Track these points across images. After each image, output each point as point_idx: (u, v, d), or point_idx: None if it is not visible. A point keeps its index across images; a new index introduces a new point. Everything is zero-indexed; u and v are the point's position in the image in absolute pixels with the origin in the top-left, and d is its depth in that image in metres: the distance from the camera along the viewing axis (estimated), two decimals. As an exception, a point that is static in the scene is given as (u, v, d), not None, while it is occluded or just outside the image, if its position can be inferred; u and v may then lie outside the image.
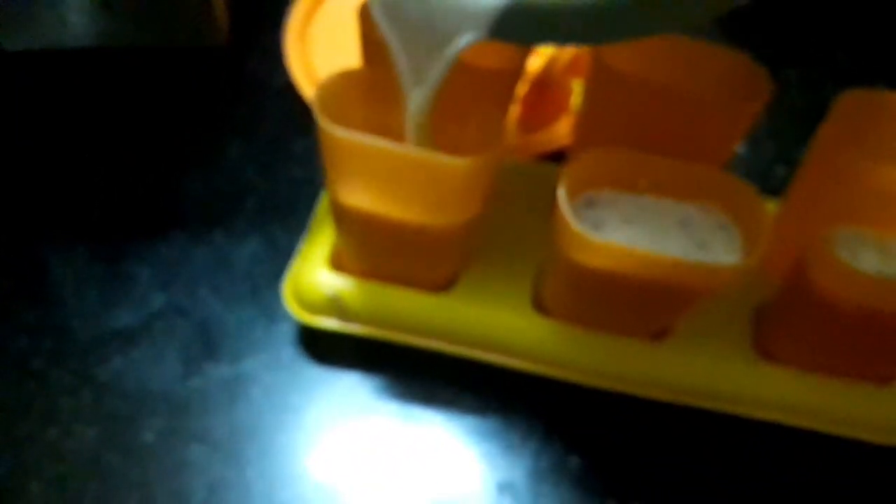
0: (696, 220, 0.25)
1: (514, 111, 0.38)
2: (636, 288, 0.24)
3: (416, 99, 0.22)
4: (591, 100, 0.27)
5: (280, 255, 0.33)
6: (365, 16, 0.26)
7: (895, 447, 0.28)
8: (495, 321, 0.28)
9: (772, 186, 0.36)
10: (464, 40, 0.20)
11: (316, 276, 0.29)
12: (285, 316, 0.31)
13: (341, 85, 0.25)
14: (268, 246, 0.34)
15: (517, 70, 0.27)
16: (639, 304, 0.25)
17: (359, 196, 0.25)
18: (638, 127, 0.26)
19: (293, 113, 0.39)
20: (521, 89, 0.37)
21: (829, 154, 0.25)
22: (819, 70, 0.42)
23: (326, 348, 0.31)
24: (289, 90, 0.39)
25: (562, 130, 0.36)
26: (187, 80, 0.40)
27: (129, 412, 0.29)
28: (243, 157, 0.37)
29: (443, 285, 0.29)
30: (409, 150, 0.23)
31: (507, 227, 0.30)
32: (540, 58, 0.37)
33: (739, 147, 0.38)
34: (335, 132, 0.23)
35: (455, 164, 0.23)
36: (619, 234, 0.24)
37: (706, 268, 0.23)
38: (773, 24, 0.44)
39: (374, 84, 0.25)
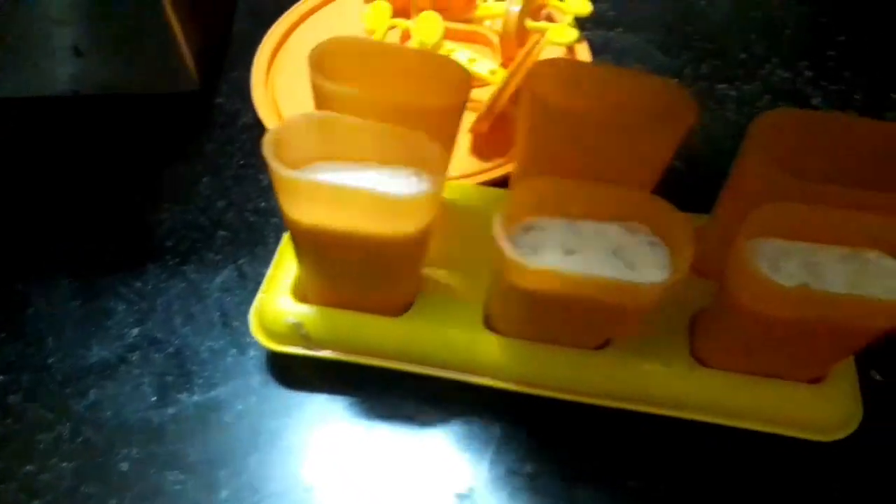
0: (627, 240, 0.27)
1: (468, 139, 0.40)
2: (570, 307, 0.26)
3: None
4: (526, 131, 0.29)
5: (249, 285, 0.35)
6: (314, 64, 0.28)
7: (827, 443, 0.29)
8: (449, 340, 0.30)
9: (708, 201, 0.38)
10: None
11: (279, 306, 0.31)
12: (254, 344, 0.33)
13: (293, 128, 0.27)
14: (237, 276, 0.36)
15: (459, 108, 0.29)
16: (575, 321, 0.27)
17: (311, 219, 0.26)
18: (572, 155, 0.28)
19: (260, 147, 0.41)
20: (476, 119, 0.39)
21: (751, 170, 0.27)
22: (755, 85, 0.44)
23: (294, 373, 0.32)
24: (255, 125, 0.41)
25: (512, 157, 0.38)
26: (158, 117, 0.42)
27: (106, 444, 0.31)
28: (213, 191, 0.39)
29: (399, 309, 0.31)
30: (354, 188, 0.25)
31: (458, 250, 0.32)
32: (489, 89, 0.39)
33: (678, 162, 0.40)
34: (285, 173, 0.25)
35: (399, 200, 0.25)
36: (555, 258, 0.26)
37: (632, 286, 0.24)
38: (711, 42, 0.47)
39: (324, 125, 0.27)
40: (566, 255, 0.27)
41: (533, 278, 0.25)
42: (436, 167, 0.26)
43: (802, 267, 0.26)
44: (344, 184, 0.25)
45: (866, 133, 0.27)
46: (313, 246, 0.28)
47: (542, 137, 0.29)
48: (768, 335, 0.27)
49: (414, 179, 0.28)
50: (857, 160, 0.27)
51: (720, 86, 0.44)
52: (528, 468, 0.30)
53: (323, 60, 0.28)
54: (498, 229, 0.25)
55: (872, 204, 0.26)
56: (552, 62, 0.28)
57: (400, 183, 0.28)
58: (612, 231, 0.27)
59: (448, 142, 0.30)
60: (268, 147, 0.25)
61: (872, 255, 0.26)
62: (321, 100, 0.28)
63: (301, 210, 0.26)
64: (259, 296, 0.32)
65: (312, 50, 0.28)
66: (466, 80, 0.28)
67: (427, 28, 0.39)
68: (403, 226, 0.26)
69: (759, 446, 0.30)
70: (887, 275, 0.26)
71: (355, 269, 0.29)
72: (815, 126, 0.28)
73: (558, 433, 0.31)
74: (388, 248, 0.27)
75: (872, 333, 0.26)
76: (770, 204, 0.25)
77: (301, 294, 0.31)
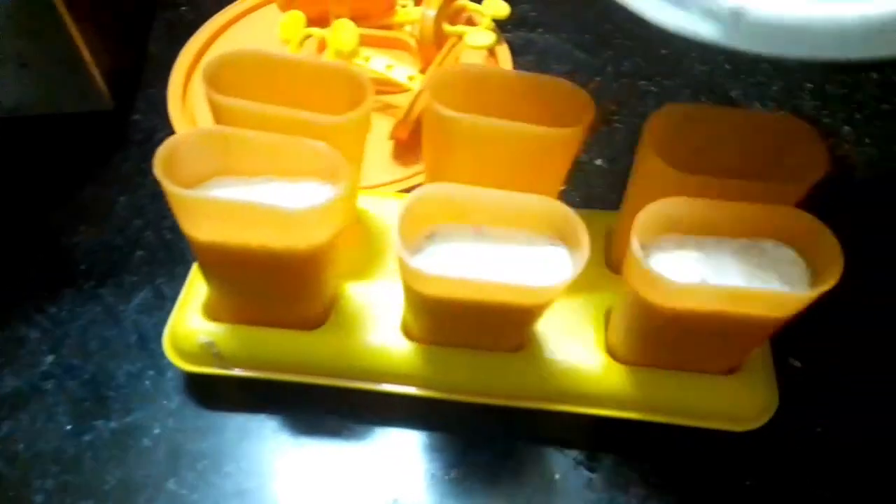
0: (528, 243, 0.27)
1: (389, 146, 0.40)
2: (473, 312, 0.26)
3: None
4: (429, 140, 0.29)
5: (167, 305, 0.34)
6: (207, 79, 0.27)
7: (745, 433, 0.30)
8: (367, 351, 0.30)
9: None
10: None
11: (191, 325, 0.30)
12: (172, 365, 0.32)
13: (187, 143, 0.26)
14: (155, 297, 0.35)
15: (361, 118, 0.29)
16: (482, 325, 0.27)
17: (208, 236, 0.26)
18: (474, 161, 0.28)
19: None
20: (394, 125, 0.39)
21: (645, 167, 0.28)
22: (675, 80, 0.45)
23: (213, 394, 0.32)
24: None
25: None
26: (73, 137, 0.41)
27: (19, 476, 0.30)
28: (130, 210, 0.38)
29: (315, 322, 0.30)
30: (245, 203, 0.25)
31: (374, 259, 0.32)
32: (409, 95, 0.39)
33: (600, 160, 0.40)
34: (178, 192, 0.25)
35: (293, 213, 0.25)
36: (461, 264, 0.26)
37: (528, 289, 0.24)
38: (631, 39, 0.47)
39: (220, 140, 0.27)
40: (473, 261, 0.27)
41: (434, 286, 0.25)
42: (338, 178, 0.26)
43: (701, 261, 0.27)
44: (236, 199, 0.25)
45: (754, 124, 0.28)
46: (216, 263, 0.28)
47: (445, 146, 0.29)
48: (672, 329, 0.27)
49: (317, 192, 0.28)
50: (747, 151, 0.27)
51: (641, 82, 0.45)
52: (453, 473, 0.30)
53: (218, 75, 0.28)
54: (397, 238, 0.25)
55: (765, 194, 0.26)
56: (450, 70, 0.28)
57: (301, 196, 0.28)
58: (515, 235, 0.27)
59: (354, 152, 0.30)
60: (159, 163, 0.25)
61: (769, 244, 0.27)
62: (218, 115, 0.28)
63: (197, 227, 0.26)
64: (172, 316, 0.31)
65: (206, 65, 0.28)
66: (366, 89, 0.28)
67: (342, 36, 0.38)
68: (303, 239, 0.26)
69: (679, 439, 0.30)
70: (785, 263, 0.27)
71: (261, 285, 0.28)
72: (704, 120, 0.28)
73: (481, 437, 0.31)
74: (291, 261, 0.27)
75: (774, 324, 0.26)
76: (662, 200, 0.25)
77: (214, 312, 0.31)
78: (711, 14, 0.19)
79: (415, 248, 0.27)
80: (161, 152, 0.25)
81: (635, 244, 0.24)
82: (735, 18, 0.19)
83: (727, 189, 0.26)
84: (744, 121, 0.28)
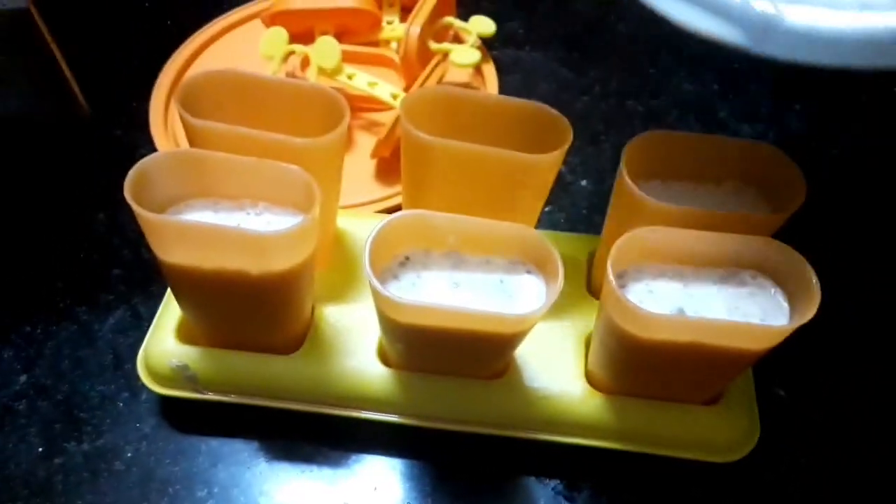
0: (504, 271, 0.26)
1: (372, 165, 0.39)
2: (448, 340, 0.25)
3: None
4: (405, 163, 0.29)
5: (144, 326, 0.34)
6: (180, 100, 0.27)
7: (728, 464, 0.29)
8: (342, 377, 0.29)
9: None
10: None
11: (165, 348, 0.30)
12: (146, 387, 0.31)
13: (158, 166, 0.26)
14: (132, 316, 0.35)
15: (337, 138, 0.28)
16: (457, 353, 0.27)
17: (177, 259, 0.26)
18: (450, 186, 0.28)
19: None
20: (376, 144, 0.38)
21: (625, 196, 0.27)
22: (662, 100, 0.45)
23: (187, 417, 0.31)
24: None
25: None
26: (52, 154, 0.41)
27: (-13, 501, 0.29)
28: (109, 228, 0.38)
29: (291, 347, 0.30)
30: (219, 228, 0.24)
31: (351, 281, 0.32)
32: (392, 113, 0.38)
33: (586, 182, 0.40)
34: (147, 216, 0.24)
35: (262, 238, 0.24)
36: (432, 291, 0.26)
37: (501, 318, 0.24)
38: (620, 57, 0.47)
39: (191, 162, 0.27)
40: (447, 288, 0.26)
41: (407, 314, 0.24)
42: (310, 202, 0.26)
43: (679, 290, 0.26)
44: (205, 223, 0.24)
45: (730, 153, 0.27)
46: (186, 287, 0.27)
47: (420, 169, 0.28)
48: (650, 359, 0.26)
49: (290, 215, 0.27)
50: (724, 178, 0.27)
51: (629, 101, 0.44)
52: (430, 502, 0.30)
53: (193, 96, 0.28)
54: (367, 265, 0.24)
55: (745, 224, 0.26)
56: (425, 92, 0.28)
57: (275, 219, 0.27)
58: (491, 263, 0.26)
59: (331, 174, 0.30)
60: (129, 186, 0.25)
61: (748, 274, 0.26)
62: (192, 137, 0.28)
63: (167, 251, 0.25)
64: (147, 338, 0.31)
65: (179, 86, 0.28)
66: (343, 110, 0.28)
67: (324, 53, 0.38)
68: (273, 264, 0.25)
69: (660, 469, 0.30)
70: (764, 294, 0.26)
71: (232, 310, 0.28)
72: (683, 148, 0.28)
73: (458, 465, 0.30)
74: (262, 286, 0.26)
75: (752, 356, 0.26)
76: (640, 229, 0.25)
77: (189, 335, 0.30)
78: (742, 20, 0.18)
79: (388, 274, 0.26)
80: (132, 175, 0.25)
81: (610, 275, 0.24)
82: (767, 26, 0.18)
83: (706, 219, 0.26)
84: (715, 147, 0.28)
